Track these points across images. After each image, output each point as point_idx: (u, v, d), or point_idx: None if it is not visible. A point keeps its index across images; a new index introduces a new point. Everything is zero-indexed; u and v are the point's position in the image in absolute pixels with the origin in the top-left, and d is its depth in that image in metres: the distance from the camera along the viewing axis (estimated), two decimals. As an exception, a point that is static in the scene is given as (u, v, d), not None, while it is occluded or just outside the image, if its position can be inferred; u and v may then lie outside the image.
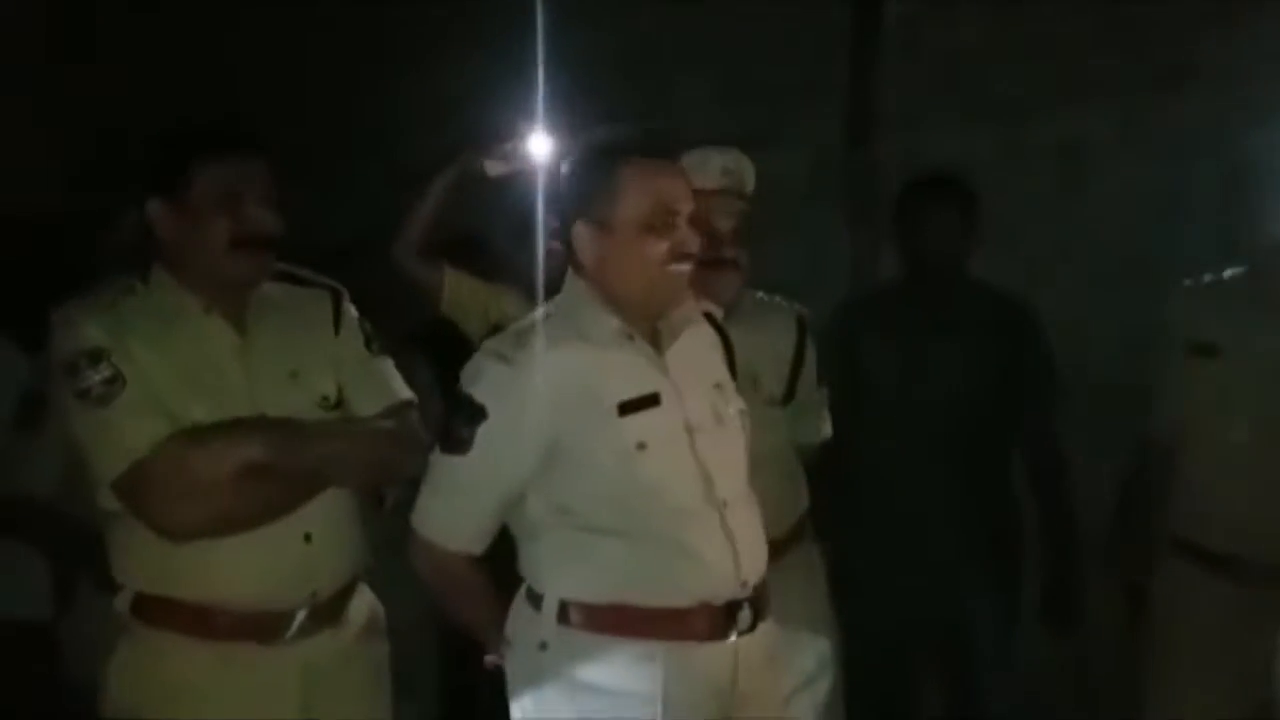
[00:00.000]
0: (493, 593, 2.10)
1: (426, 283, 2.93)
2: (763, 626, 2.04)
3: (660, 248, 1.99)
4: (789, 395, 2.59)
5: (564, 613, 1.98)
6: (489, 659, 2.13)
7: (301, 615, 2.14)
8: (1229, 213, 3.02)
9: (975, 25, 3.79)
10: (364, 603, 2.28)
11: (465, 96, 3.80)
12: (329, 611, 2.18)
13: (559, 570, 2.00)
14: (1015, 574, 2.88)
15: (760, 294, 2.63)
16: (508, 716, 2.07)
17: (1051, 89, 3.66)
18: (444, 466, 2.02)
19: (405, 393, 2.31)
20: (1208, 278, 2.55)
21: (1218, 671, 2.43)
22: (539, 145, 2.79)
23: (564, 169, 2.07)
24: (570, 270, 2.07)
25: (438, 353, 3.01)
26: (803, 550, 2.54)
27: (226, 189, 2.08)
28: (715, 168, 2.47)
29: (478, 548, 2.06)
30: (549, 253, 2.30)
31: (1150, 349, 2.65)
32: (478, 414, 1.96)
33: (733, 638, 2.00)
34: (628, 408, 1.98)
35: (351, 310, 2.31)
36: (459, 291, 2.95)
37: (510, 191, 2.83)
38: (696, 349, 2.13)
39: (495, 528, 2.05)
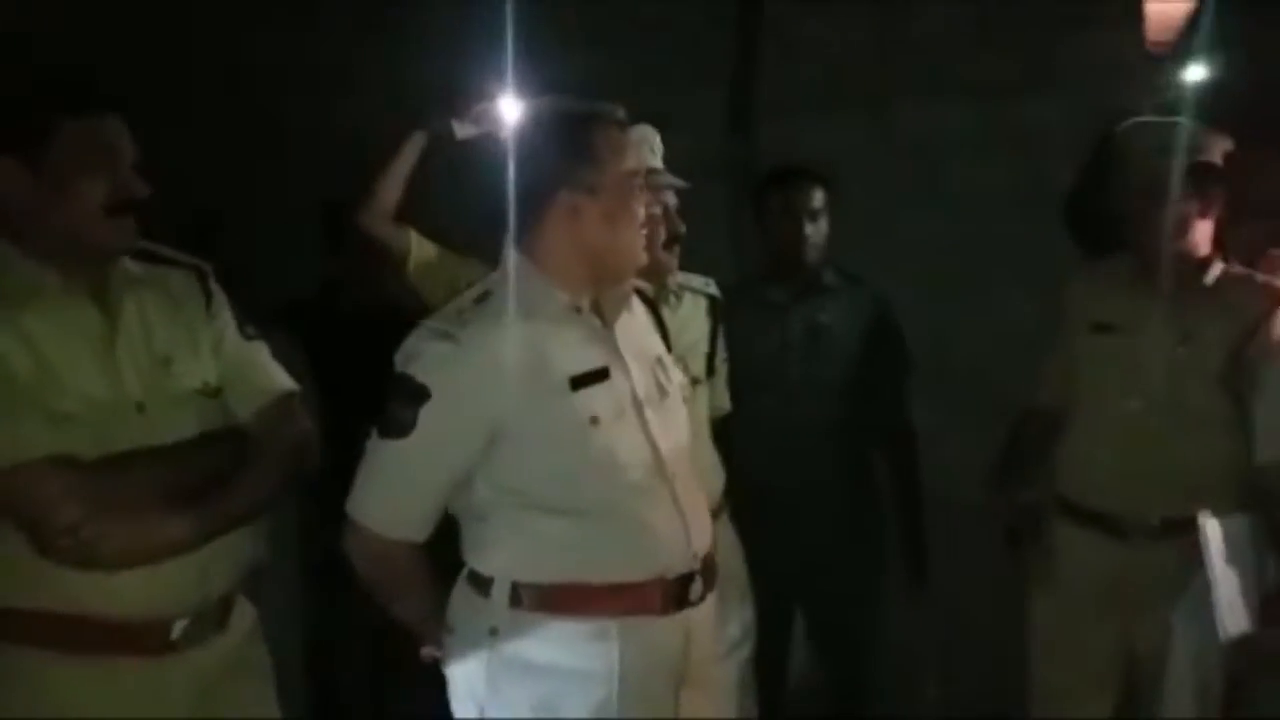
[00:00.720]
0: (433, 581, 2.04)
1: (394, 247, 2.88)
2: (710, 597, 2.03)
3: (641, 213, 2.00)
4: (709, 372, 2.71)
5: (516, 595, 1.92)
6: (426, 651, 2.07)
7: (186, 622, 1.95)
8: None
9: (852, 18, 3.96)
10: (245, 605, 2.13)
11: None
12: (217, 616, 2.03)
13: (510, 553, 1.94)
14: (879, 542, 3.07)
15: (679, 274, 2.72)
16: (371, 714, 2.07)
17: (921, 84, 3.84)
18: (384, 451, 1.92)
19: (287, 382, 2.17)
20: (1104, 264, 2.74)
21: (1099, 626, 2.63)
22: (509, 109, 2.76)
23: (532, 138, 1.97)
24: (512, 246, 2.00)
25: (309, 332, 3.00)
26: (725, 521, 2.62)
27: (98, 148, 1.87)
28: (654, 145, 2.53)
29: (421, 535, 1.97)
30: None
31: (998, 336, 2.87)
32: (420, 395, 1.87)
33: (685, 610, 1.98)
34: (579, 382, 1.92)
35: (220, 290, 2.13)
36: (426, 258, 2.91)
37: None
38: (636, 323, 2.11)
39: (439, 513, 1.97)
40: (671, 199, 2.56)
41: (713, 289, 2.78)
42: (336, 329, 3.49)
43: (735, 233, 3.85)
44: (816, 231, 3.01)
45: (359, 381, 2.93)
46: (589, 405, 1.92)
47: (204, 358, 2.05)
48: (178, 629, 1.95)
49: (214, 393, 2.05)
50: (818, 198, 3.02)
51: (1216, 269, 2.59)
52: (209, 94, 4.08)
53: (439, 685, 2.07)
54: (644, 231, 2.01)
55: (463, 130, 2.87)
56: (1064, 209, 3.36)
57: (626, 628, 1.93)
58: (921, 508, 3.07)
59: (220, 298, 2.12)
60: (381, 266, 3.04)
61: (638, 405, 1.98)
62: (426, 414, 1.87)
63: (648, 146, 2.50)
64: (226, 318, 2.11)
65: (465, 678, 1.99)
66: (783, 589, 2.93)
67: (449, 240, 3.07)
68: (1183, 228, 2.54)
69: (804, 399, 2.96)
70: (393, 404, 1.90)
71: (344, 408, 2.26)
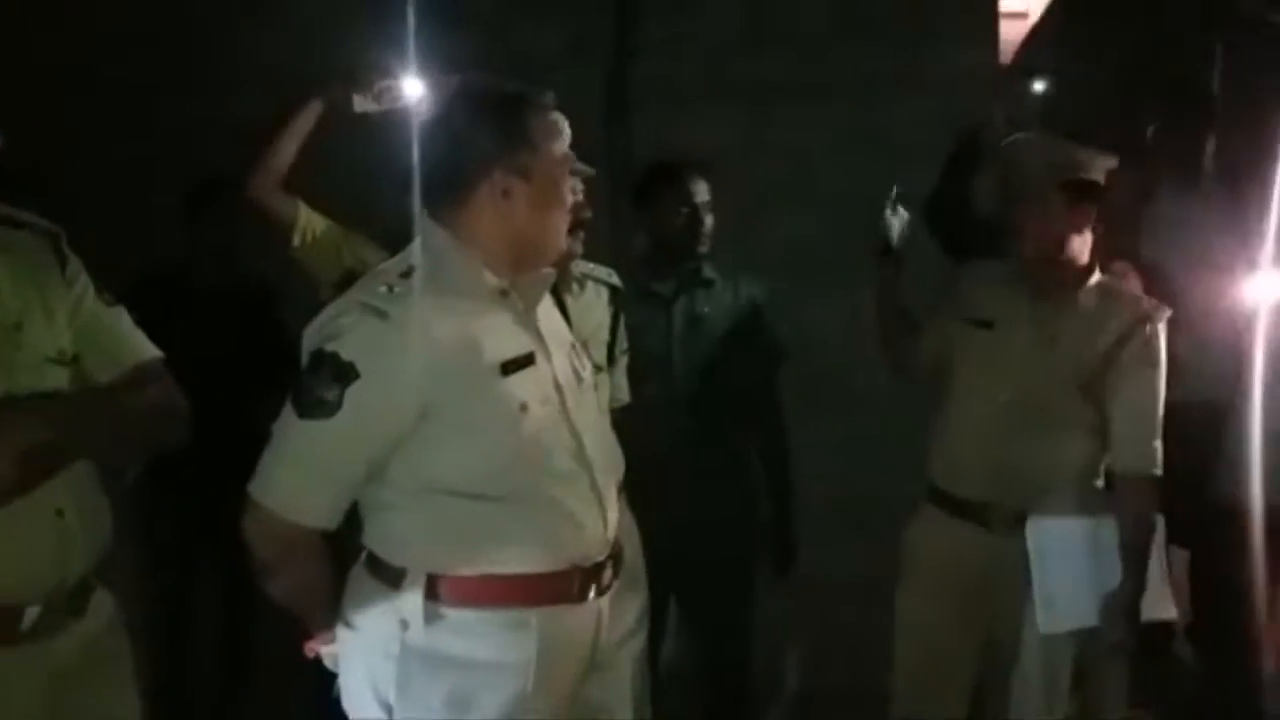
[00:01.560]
0: (334, 572, 1.96)
1: (282, 218, 2.81)
2: (616, 583, 2.03)
3: (569, 198, 1.98)
4: (609, 360, 2.74)
5: (431, 587, 1.86)
6: (312, 646, 2.01)
7: (39, 609, 1.82)
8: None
9: (728, 13, 4.03)
10: (104, 592, 1.98)
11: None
12: (75, 602, 1.90)
13: (427, 543, 1.88)
14: (751, 528, 3.15)
15: (581, 262, 2.73)
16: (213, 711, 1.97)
17: (794, 82, 3.95)
18: (300, 432, 1.82)
19: (151, 349, 2.04)
20: (990, 264, 2.87)
21: (961, 611, 2.75)
22: (413, 87, 2.74)
23: (465, 117, 1.92)
24: (431, 222, 1.94)
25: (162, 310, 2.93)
26: (625, 507, 2.67)
27: None
28: (564, 130, 2.56)
29: (333, 523, 1.88)
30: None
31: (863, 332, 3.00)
32: (347, 374, 1.78)
33: (598, 597, 1.98)
34: (509, 367, 1.88)
35: (75, 256, 1.99)
36: (314, 231, 2.84)
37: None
38: (550, 309, 2.07)
39: (353, 499, 1.89)
40: (577, 185, 2.56)
41: (615, 279, 2.81)
42: (190, 306, 3.42)
43: (611, 222, 3.90)
44: (704, 225, 3.08)
45: (213, 360, 2.90)
46: (518, 391, 1.88)
47: (58, 324, 1.91)
48: (29, 616, 1.82)
49: (70, 360, 1.91)
50: (703, 191, 3.08)
51: (1092, 280, 2.73)
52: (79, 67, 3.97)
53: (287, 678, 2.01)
54: (570, 218, 2.00)
55: (362, 104, 2.82)
56: (924, 211, 3.51)
57: (545, 617, 1.90)
58: (791, 494, 3.17)
59: (76, 263, 1.98)
60: (265, 239, 2.98)
61: (560, 392, 1.96)
62: (354, 394, 1.78)
63: (566, 129, 2.49)
64: (84, 283, 1.98)
65: (368, 674, 1.91)
66: (659, 574, 2.98)
67: (341, 216, 3.05)
68: (1063, 239, 2.68)
69: (685, 388, 3.02)
70: (313, 382, 1.80)
71: (197, 387, 2.11)
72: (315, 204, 2.94)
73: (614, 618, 2.12)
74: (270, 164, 2.81)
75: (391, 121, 2.73)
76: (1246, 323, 2.98)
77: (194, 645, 3.60)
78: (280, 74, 3.38)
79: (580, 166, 2.54)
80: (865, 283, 3.07)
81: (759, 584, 3.17)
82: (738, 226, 3.36)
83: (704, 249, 3.09)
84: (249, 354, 3.42)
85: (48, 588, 1.83)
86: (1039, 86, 4.05)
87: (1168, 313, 2.70)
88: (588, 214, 2.56)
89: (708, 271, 3.12)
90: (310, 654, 2.02)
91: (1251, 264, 3.01)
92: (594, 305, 2.74)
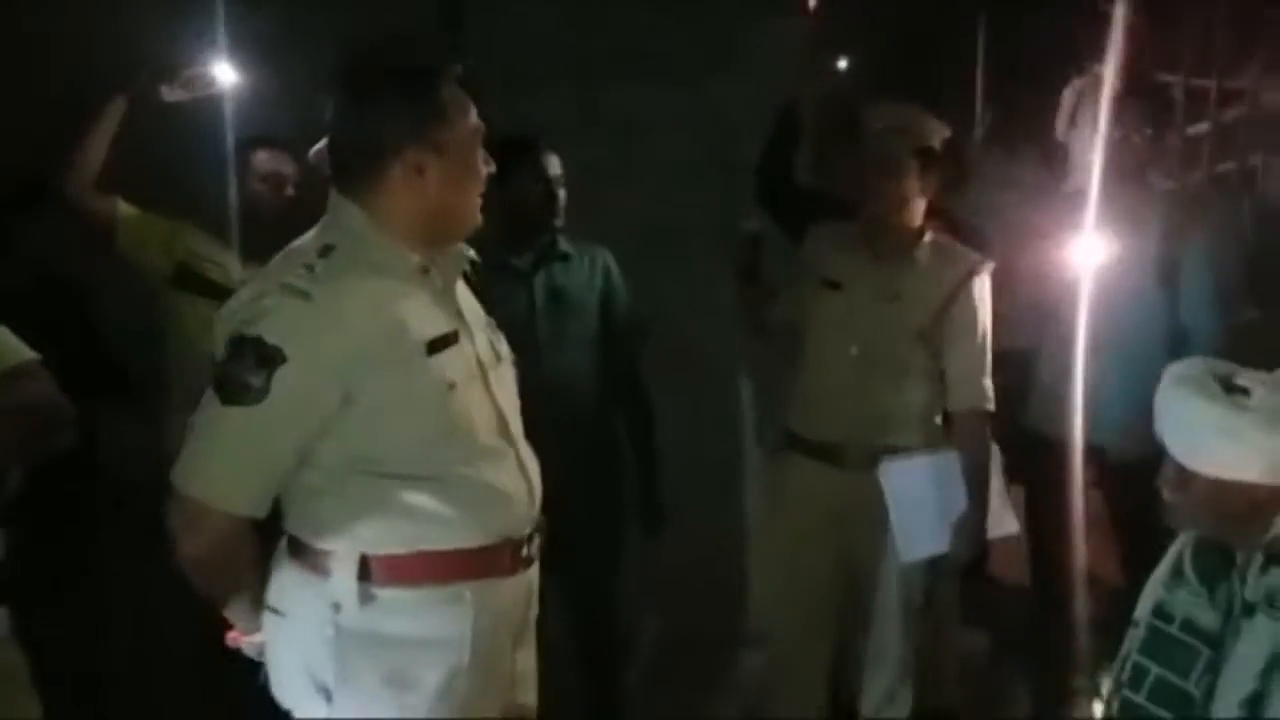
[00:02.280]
0: (262, 561, 1.96)
1: (100, 217, 2.80)
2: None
3: (483, 172, 1.96)
4: None
5: (364, 569, 1.86)
6: (235, 637, 2.01)
7: None
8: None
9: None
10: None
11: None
12: None
13: (358, 525, 1.87)
14: (621, 493, 3.27)
15: None
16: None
17: (619, 62, 4.07)
18: (226, 419, 1.80)
19: (26, 351, 2.04)
20: (836, 227, 3.08)
21: (821, 546, 2.98)
22: (222, 73, 2.75)
23: (376, 92, 1.88)
24: (343, 199, 1.92)
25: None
26: None
27: None
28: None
29: (262, 510, 1.87)
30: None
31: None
32: (273, 358, 1.76)
33: (526, 569, 2.02)
34: (434, 346, 1.88)
35: None
36: (135, 227, 2.83)
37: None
38: (464, 288, 2.07)
39: (282, 485, 1.88)
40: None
41: (471, 253, 2.86)
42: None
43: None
44: (560, 197, 3.16)
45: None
46: (444, 370, 1.89)
47: None
48: None
49: None
50: (556, 164, 3.16)
51: (926, 239, 2.98)
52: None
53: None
54: (482, 190, 1.98)
55: (171, 94, 2.83)
56: (755, 180, 3.70)
57: (479, 591, 1.93)
58: (656, 459, 3.30)
59: None
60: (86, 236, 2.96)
61: (482, 369, 1.98)
62: (281, 379, 1.76)
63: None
64: None
65: (303, 659, 1.91)
66: None
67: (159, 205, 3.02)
68: (904, 201, 2.92)
69: (549, 358, 3.10)
70: (237, 368, 1.77)
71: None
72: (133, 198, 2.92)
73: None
74: (80, 164, 2.80)
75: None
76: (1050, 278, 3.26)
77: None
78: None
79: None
80: (704, 253, 3.23)
81: (630, 548, 3.29)
82: (580, 201, 3.48)
83: (559, 222, 3.17)
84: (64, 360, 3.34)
85: None
86: (842, 61, 4.29)
87: (992, 265, 2.97)
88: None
89: (564, 245, 3.21)
90: (233, 645, 2.03)
91: (1050, 224, 3.30)
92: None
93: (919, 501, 2.88)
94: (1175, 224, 3.12)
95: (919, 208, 2.96)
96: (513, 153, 3.15)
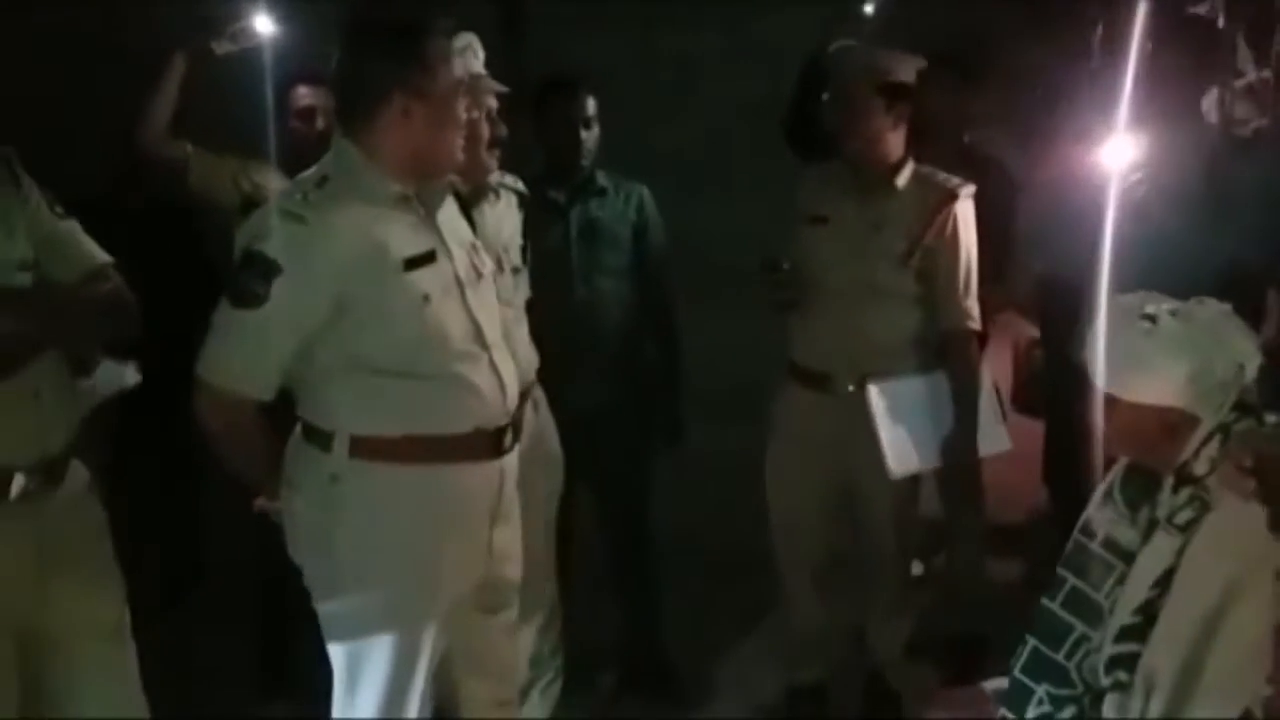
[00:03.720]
0: (274, 439, 2.29)
1: (173, 162, 3.14)
2: (517, 447, 2.40)
3: (463, 117, 2.28)
4: (525, 261, 3.01)
5: (355, 447, 2.20)
6: (260, 503, 2.34)
7: (27, 476, 2.16)
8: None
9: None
10: (78, 465, 2.32)
11: None
12: (56, 472, 2.23)
13: (351, 410, 2.21)
14: (650, 410, 3.49)
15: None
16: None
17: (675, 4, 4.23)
18: (236, 319, 2.14)
19: (102, 255, 2.35)
20: (821, 166, 3.21)
21: (820, 465, 3.16)
22: (263, 25, 3.08)
23: (368, 43, 2.20)
24: (343, 140, 2.23)
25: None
26: (540, 394, 2.96)
27: None
28: (477, 51, 2.71)
29: (268, 394, 2.20)
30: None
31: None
32: (271, 270, 2.10)
33: (501, 458, 2.34)
34: (411, 264, 2.18)
35: (26, 173, 2.28)
36: (205, 166, 3.17)
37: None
38: (452, 214, 2.37)
39: (284, 376, 2.20)
40: (492, 103, 2.78)
41: (520, 186, 3.06)
42: (126, 227, 3.64)
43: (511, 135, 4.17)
44: (590, 137, 3.34)
45: (154, 275, 3.17)
46: (420, 284, 2.19)
47: (18, 237, 2.20)
48: (17, 484, 2.15)
49: (31, 266, 2.20)
50: (590, 106, 3.34)
51: (906, 170, 3.11)
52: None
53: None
54: (464, 134, 2.30)
55: (221, 48, 3.13)
56: (782, 121, 3.85)
57: (456, 471, 2.27)
58: (680, 376, 3.53)
59: (28, 179, 2.27)
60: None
61: (460, 285, 2.27)
62: (278, 287, 2.10)
63: (471, 53, 2.67)
64: (38, 199, 2.26)
65: (308, 523, 2.27)
66: (569, 457, 3.22)
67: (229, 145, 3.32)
68: (881, 137, 3.05)
69: (583, 285, 3.33)
70: (244, 277, 2.13)
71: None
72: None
73: (527, 491, 2.53)
74: (150, 119, 3.13)
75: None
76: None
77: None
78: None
79: (493, 84, 2.77)
80: (744, 185, 3.37)
81: (655, 461, 3.52)
82: (628, 135, 3.66)
83: (586, 161, 3.36)
84: (174, 270, 3.68)
85: (30, 459, 2.17)
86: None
87: (972, 189, 3.09)
88: (503, 131, 2.80)
89: (601, 180, 3.40)
90: (258, 510, 2.37)
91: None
92: (509, 212, 3.00)
93: (906, 419, 3.03)
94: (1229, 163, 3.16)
95: (896, 140, 3.08)
96: (551, 94, 3.38)
